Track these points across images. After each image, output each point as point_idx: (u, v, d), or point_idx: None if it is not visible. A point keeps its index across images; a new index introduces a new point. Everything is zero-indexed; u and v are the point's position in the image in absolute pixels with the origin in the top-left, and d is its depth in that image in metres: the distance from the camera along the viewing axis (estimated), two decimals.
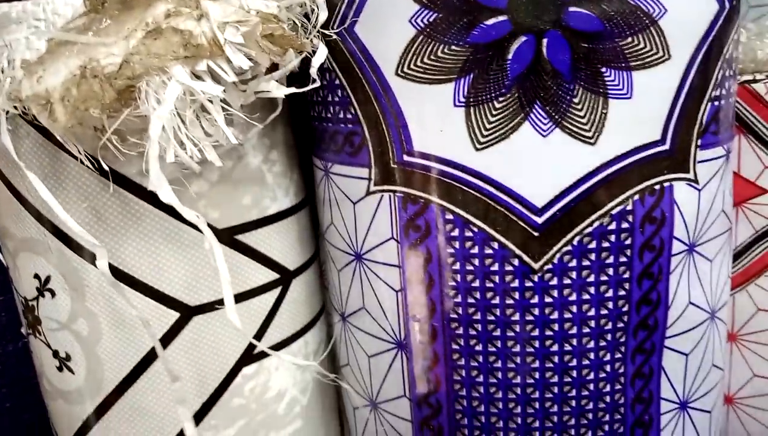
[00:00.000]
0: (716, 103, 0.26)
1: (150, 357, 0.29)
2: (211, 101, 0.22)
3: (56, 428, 0.34)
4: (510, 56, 0.24)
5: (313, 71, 0.26)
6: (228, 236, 0.29)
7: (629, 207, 0.26)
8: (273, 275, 0.32)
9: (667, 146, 0.26)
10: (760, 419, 0.39)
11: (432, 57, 0.24)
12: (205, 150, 0.22)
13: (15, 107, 0.24)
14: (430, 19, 0.24)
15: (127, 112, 0.22)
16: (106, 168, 0.25)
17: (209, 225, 0.28)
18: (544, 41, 0.24)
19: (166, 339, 0.29)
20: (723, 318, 0.32)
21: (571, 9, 0.23)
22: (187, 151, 0.22)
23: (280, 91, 0.24)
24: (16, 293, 0.32)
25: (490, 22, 0.24)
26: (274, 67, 0.25)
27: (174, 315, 0.29)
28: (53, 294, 0.29)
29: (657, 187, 0.26)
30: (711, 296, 0.30)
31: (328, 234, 0.32)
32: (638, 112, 0.25)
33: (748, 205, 0.36)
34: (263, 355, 0.31)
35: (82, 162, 0.25)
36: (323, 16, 0.26)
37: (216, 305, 0.29)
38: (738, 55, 0.28)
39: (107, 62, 0.22)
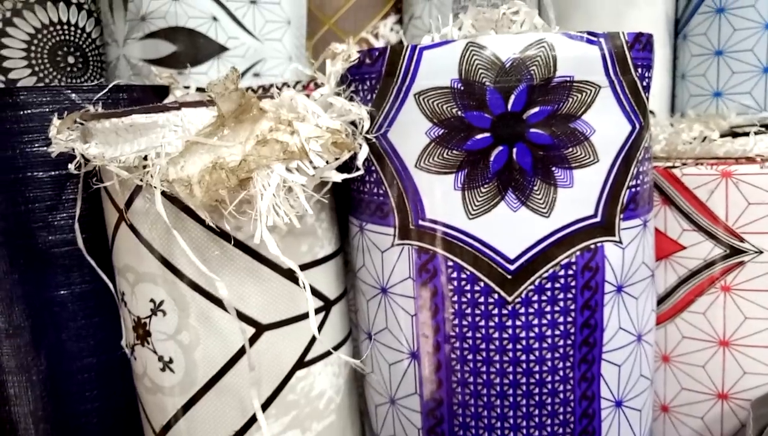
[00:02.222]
0: (633, 189, 0.38)
1: (233, 361, 0.40)
2: (295, 186, 0.34)
3: (150, 418, 0.44)
4: (492, 159, 0.36)
5: (359, 163, 0.38)
6: (290, 274, 0.41)
7: (573, 260, 0.37)
8: (320, 303, 0.43)
9: (598, 219, 0.37)
10: (688, 424, 0.50)
11: (439, 157, 0.37)
12: (291, 217, 0.34)
13: (162, 185, 0.35)
14: (439, 133, 0.36)
15: (244, 194, 0.33)
16: (214, 226, 0.37)
17: (278, 266, 0.40)
18: (515, 150, 0.36)
19: (245, 348, 0.40)
20: (649, 341, 0.43)
21: (532, 130, 0.36)
22: (281, 219, 0.34)
23: (338, 178, 0.36)
24: (128, 314, 0.43)
25: (479, 136, 0.36)
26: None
27: (251, 330, 0.40)
28: (164, 313, 0.40)
29: (592, 246, 0.38)
30: (637, 323, 0.41)
31: (360, 273, 0.44)
32: (578, 196, 0.37)
33: (673, 258, 0.48)
34: (311, 362, 0.43)
35: (200, 221, 0.37)
36: (367, 125, 0.38)
37: (282, 323, 0.41)
38: (649, 155, 0.40)
39: (231, 159, 0.34)
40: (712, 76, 0.66)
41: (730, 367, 0.47)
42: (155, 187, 0.35)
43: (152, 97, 0.52)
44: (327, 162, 0.35)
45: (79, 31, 0.76)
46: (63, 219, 0.48)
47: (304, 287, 0.34)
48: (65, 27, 0.74)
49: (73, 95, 0.47)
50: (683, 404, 0.50)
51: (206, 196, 0.34)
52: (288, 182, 0.34)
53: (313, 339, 0.43)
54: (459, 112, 0.36)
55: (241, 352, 0.40)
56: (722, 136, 0.55)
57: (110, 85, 0.48)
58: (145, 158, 0.36)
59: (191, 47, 0.71)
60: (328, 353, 0.44)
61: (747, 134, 0.51)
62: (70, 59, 0.75)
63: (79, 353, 0.49)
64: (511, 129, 0.35)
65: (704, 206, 0.45)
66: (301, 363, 0.42)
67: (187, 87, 0.53)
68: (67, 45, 0.75)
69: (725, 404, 0.48)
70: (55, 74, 0.74)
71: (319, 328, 0.43)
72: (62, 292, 0.48)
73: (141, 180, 0.36)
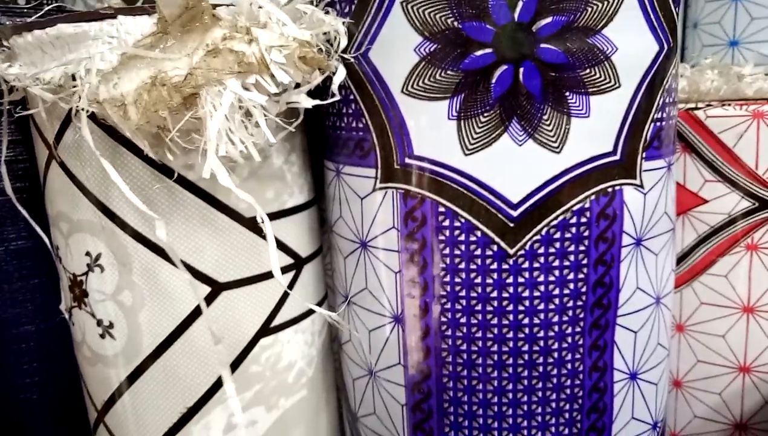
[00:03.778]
0: (658, 124, 0.33)
1: (184, 325, 0.34)
2: (254, 108, 0.28)
3: (91, 392, 0.38)
4: (494, 81, 0.30)
5: (334, 88, 0.31)
6: (253, 224, 0.35)
7: (587, 205, 0.32)
8: (289, 260, 0.37)
9: (618, 157, 0.32)
10: (704, 400, 0.45)
11: (431, 79, 0.30)
12: (249, 147, 0.28)
13: (91, 107, 0.29)
14: (431, 49, 0.30)
15: (190, 115, 0.27)
16: (158, 160, 0.31)
17: (238, 213, 0.34)
18: (521, 70, 0.30)
19: (198, 311, 0.34)
20: (668, 305, 0.37)
21: (543, 45, 0.29)
22: (236, 147, 0.27)
23: (308, 103, 0.30)
24: (63, 271, 0.37)
25: (479, 53, 0.30)
26: (299, 83, 0.31)
27: (206, 289, 0.34)
28: (102, 269, 0.34)
29: (609, 189, 0.32)
30: (656, 284, 0.36)
31: (336, 226, 0.38)
32: (595, 128, 0.31)
33: (693, 213, 0.42)
34: (279, 328, 0.37)
35: (142, 155, 0.30)
36: (344, 42, 0.32)
37: (243, 282, 0.34)
38: (677, 85, 0.34)
39: (174, 74, 0.28)
40: (728, 24, 0.60)
41: (754, 336, 0.42)
42: (82, 109, 0.28)
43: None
44: (296, 83, 0.29)
45: None
46: None
47: (266, 238, 0.28)
48: None
49: (3, 18, 0.40)
50: (699, 379, 0.45)
51: (143, 119, 0.27)
52: (245, 102, 0.27)
53: (281, 301, 0.37)
54: (455, 23, 0.29)
55: (194, 315, 0.34)
56: None
57: (48, 8, 0.41)
58: (74, 78, 0.30)
59: None
60: (298, 318, 0.38)
61: None
62: None
63: (15, 320, 0.43)
64: (517, 44, 0.29)
65: (731, 153, 0.40)
66: (266, 329, 0.36)
67: None
68: None
69: (747, 377, 0.43)
70: None
71: (290, 288, 0.37)
72: None
73: (68, 103, 0.30)
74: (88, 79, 0.29)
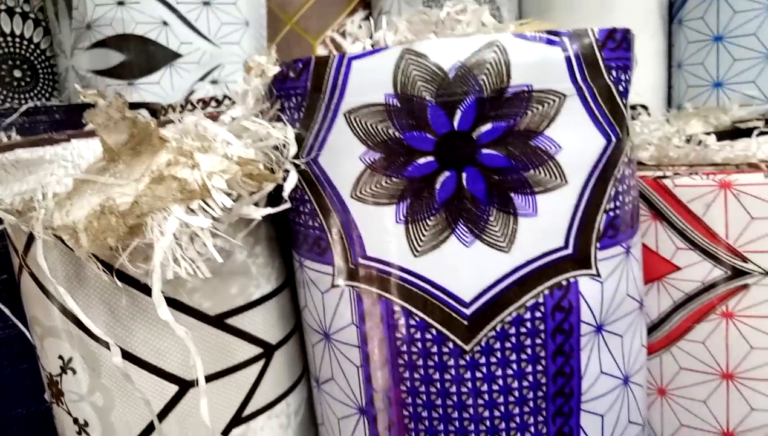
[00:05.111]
0: (611, 214, 0.33)
1: (152, 426, 0.35)
2: (200, 231, 0.29)
3: None
4: (438, 187, 0.30)
5: (285, 194, 0.32)
6: (219, 321, 0.35)
7: (540, 300, 0.32)
8: (257, 350, 0.38)
9: (570, 251, 0.32)
10: None
11: (377, 186, 0.31)
12: (197, 266, 0.29)
13: (47, 233, 0.30)
14: (374, 158, 0.31)
15: (136, 242, 0.28)
16: (113, 278, 0.32)
17: (203, 313, 0.35)
18: (464, 175, 0.30)
19: (168, 408, 0.35)
20: (639, 382, 0.37)
21: (484, 151, 0.30)
22: (183, 268, 0.28)
23: (258, 213, 0.31)
24: (42, 368, 0.38)
25: (421, 161, 0.30)
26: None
27: (174, 388, 0.35)
28: (74, 372, 0.35)
29: (564, 282, 0.32)
30: (623, 365, 0.35)
31: (304, 313, 0.38)
32: (543, 225, 0.31)
33: (667, 280, 0.42)
34: (251, 417, 0.37)
35: (110, 267, 0.31)
36: (293, 150, 0.32)
37: (211, 378, 0.35)
38: (631, 170, 0.34)
39: (121, 201, 0.29)
40: (712, 65, 0.59)
41: (735, 402, 0.41)
42: (38, 235, 0.29)
43: (77, 118, 0.47)
44: (239, 197, 0.30)
45: (25, 43, 0.71)
46: None
47: (192, 354, 0.29)
48: (8, 39, 0.69)
49: None
50: None
51: (94, 246, 0.28)
52: (191, 226, 0.28)
53: (252, 391, 0.37)
54: (396, 133, 0.30)
55: (164, 413, 0.35)
56: (722, 134, 0.49)
57: (23, 108, 0.43)
58: (32, 200, 0.31)
59: (142, 55, 0.65)
60: (271, 404, 0.39)
61: (749, 135, 0.44)
62: (17, 73, 0.70)
63: (5, 405, 0.44)
64: (458, 151, 0.30)
65: (701, 222, 0.39)
66: (237, 420, 0.37)
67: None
68: (12, 58, 0.70)
69: None
70: (0, 90, 0.69)
71: (260, 378, 0.38)
72: None
73: (27, 227, 0.31)
74: (44, 204, 0.30)
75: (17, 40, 0.70)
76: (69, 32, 0.67)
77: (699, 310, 0.41)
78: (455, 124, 0.29)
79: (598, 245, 0.32)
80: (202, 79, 0.67)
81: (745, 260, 0.39)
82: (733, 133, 0.52)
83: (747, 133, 0.50)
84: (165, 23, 0.64)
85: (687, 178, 0.39)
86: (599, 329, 0.34)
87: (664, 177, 0.40)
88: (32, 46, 0.71)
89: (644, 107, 0.57)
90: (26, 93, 0.71)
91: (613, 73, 0.31)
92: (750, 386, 0.41)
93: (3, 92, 0.69)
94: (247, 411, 0.37)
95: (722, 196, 0.38)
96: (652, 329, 0.43)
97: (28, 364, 0.45)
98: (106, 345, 0.34)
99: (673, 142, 0.43)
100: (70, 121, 0.46)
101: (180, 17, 0.65)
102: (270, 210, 0.31)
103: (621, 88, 0.32)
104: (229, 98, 0.59)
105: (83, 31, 0.66)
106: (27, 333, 0.40)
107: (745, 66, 0.57)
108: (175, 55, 0.66)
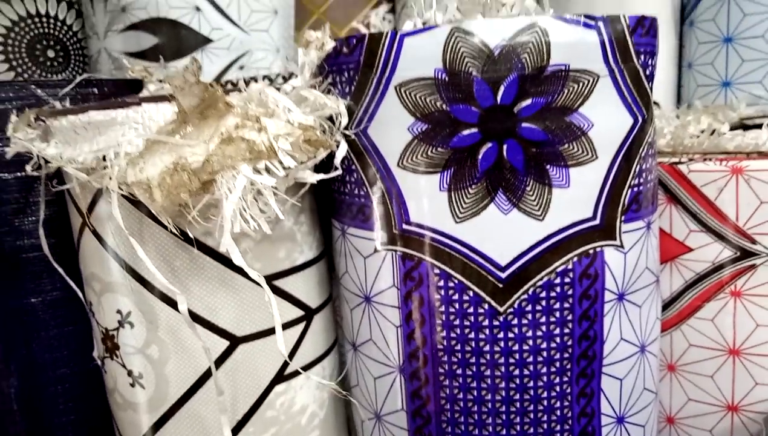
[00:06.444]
0: (635, 189, 0.35)
1: (205, 376, 0.37)
2: (265, 189, 0.31)
3: (122, 434, 0.42)
4: (480, 157, 0.33)
5: (337, 162, 0.35)
6: (267, 282, 0.38)
7: (570, 266, 0.34)
8: (300, 312, 0.40)
9: (597, 221, 0.34)
10: None
11: (423, 155, 0.34)
12: (260, 223, 0.31)
13: (120, 188, 0.33)
14: (422, 129, 0.33)
15: (208, 197, 0.31)
16: (178, 233, 0.34)
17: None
18: (505, 147, 0.33)
19: (218, 362, 0.37)
20: (653, 351, 0.40)
21: (524, 124, 0.32)
22: (249, 225, 0.31)
23: (313, 178, 0.33)
24: (96, 324, 0.40)
25: (465, 133, 0.33)
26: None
27: (225, 343, 0.37)
28: (132, 326, 0.37)
29: (591, 251, 0.35)
30: (641, 334, 0.38)
31: (343, 280, 0.41)
32: (574, 197, 0.34)
33: (679, 261, 0.45)
34: (291, 376, 0.40)
35: (165, 227, 0.34)
36: (344, 121, 0.35)
37: (258, 335, 0.38)
38: (654, 151, 0.37)
39: (193, 159, 0.31)
40: (721, 65, 0.62)
41: (740, 377, 0.44)
42: (113, 190, 0.32)
43: (125, 92, 0.49)
44: (300, 162, 0.32)
45: (59, 24, 0.73)
46: (31, 223, 0.45)
47: (270, 302, 0.31)
48: (44, 19, 0.71)
49: (39, 91, 0.44)
50: (690, 416, 0.47)
51: (167, 201, 0.31)
52: (256, 185, 0.31)
53: (293, 351, 0.40)
54: (444, 106, 0.33)
55: (215, 366, 0.37)
56: (732, 128, 0.52)
57: (78, 80, 0.45)
58: (104, 159, 0.33)
59: (173, 39, 0.68)
60: (310, 365, 0.41)
61: (759, 127, 0.47)
62: (50, 53, 0.73)
63: (52, 364, 0.47)
64: (500, 124, 0.32)
65: (713, 205, 0.42)
66: (280, 377, 0.39)
67: (161, 81, 0.50)
68: (46, 38, 0.72)
69: (735, 416, 0.45)
70: (34, 69, 0.72)
71: (300, 339, 0.40)
72: (32, 300, 0.46)
73: (99, 184, 0.33)
74: (117, 162, 0.33)
75: (51, 20, 0.72)
76: (103, 15, 0.69)
77: (709, 289, 0.44)
78: (498, 98, 0.32)
79: (622, 218, 0.35)
80: (231, 64, 0.69)
81: (753, 241, 0.42)
82: (741, 129, 0.55)
83: (753, 129, 0.53)
84: (197, 9, 0.67)
85: (701, 164, 0.42)
86: (621, 297, 0.36)
87: (680, 163, 0.43)
88: (65, 28, 0.74)
89: (656, 104, 0.60)
90: (58, 73, 0.73)
91: (642, 57, 0.34)
92: (755, 361, 0.43)
93: (37, 72, 0.71)
94: (289, 370, 0.40)
95: (734, 181, 0.41)
96: (664, 308, 0.46)
97: (73, 326, 0.47)
98: (164, 299, 0.36)
99: (688, 130, 0.46)
100: (118, 95, 0.48)
101: (212, 3, 0.67)
102: (324, 175, 0.34)
103: (648, 72, 0.35)
104: (255, 80, 0.61)
105: (118, 13, 0.68)
106: (80, 293, 0.43)
107: (752, 67, 0.60)
108: (206, 40, 0.68)
